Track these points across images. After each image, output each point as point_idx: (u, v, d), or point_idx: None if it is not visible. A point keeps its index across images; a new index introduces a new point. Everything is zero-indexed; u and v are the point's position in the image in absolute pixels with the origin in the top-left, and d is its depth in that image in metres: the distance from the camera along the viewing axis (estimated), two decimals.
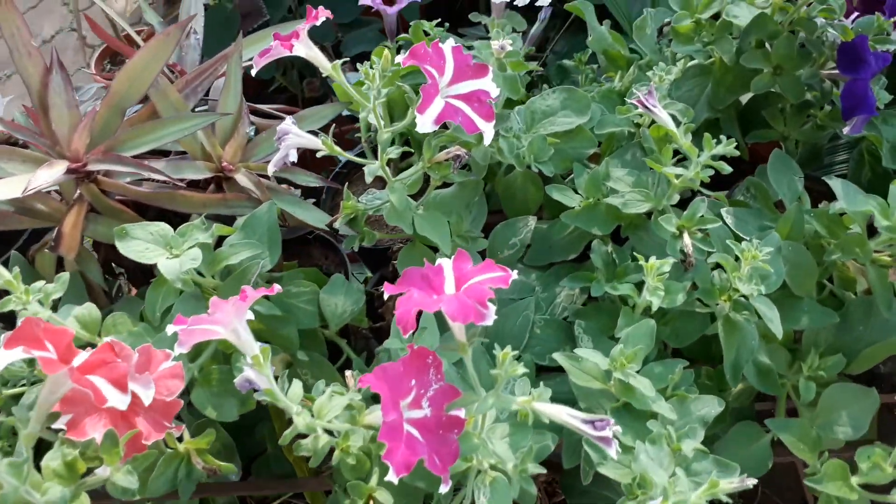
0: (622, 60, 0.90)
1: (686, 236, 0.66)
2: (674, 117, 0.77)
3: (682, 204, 0.73)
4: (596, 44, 0.90)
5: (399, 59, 0.64)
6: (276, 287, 0.60)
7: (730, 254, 0.65)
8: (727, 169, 0.68)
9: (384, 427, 0.52)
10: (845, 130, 0.77)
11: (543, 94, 0.80)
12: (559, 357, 0.64)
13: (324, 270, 0.90)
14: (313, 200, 0.99)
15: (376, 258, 0.97)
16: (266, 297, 0.79)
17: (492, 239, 0.79)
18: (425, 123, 0.63)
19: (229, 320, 0.55)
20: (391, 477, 0.51)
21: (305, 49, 0.67)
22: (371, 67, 0.68)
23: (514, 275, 0.55)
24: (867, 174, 0.87)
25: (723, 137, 0.69)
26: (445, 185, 0.80)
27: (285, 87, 1.47)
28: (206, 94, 0.88)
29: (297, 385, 0.58)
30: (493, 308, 0.52)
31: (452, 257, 0.57)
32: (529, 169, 0.78)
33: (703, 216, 0.67)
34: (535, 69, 0.83)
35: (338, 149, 0.74)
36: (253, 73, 0.68)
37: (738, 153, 0.69)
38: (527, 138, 0.75)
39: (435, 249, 0.76)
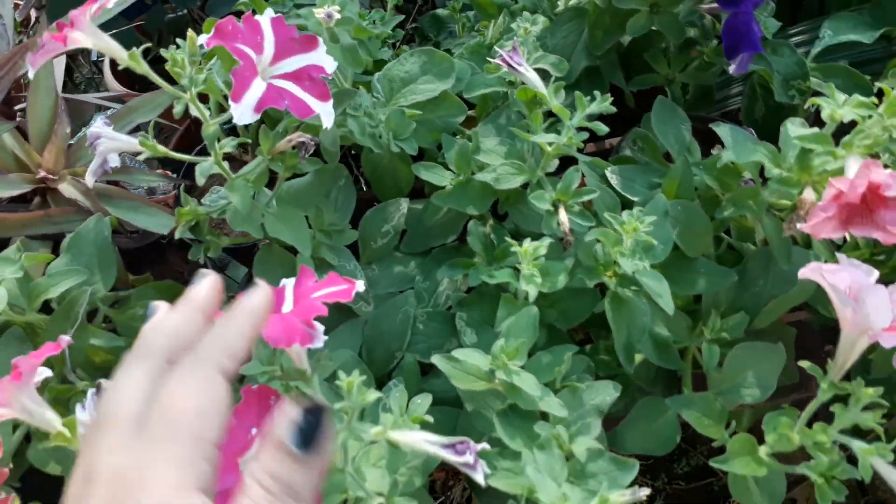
0: (492, 7, 0.81)
1: (562, 212, 0.59)
2: (547, 72, 0.69)
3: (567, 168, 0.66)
4: None
5: (202, 39, 0.53)
6: (64, 339, 0.50)
7: (609, 227, 0.58)
8: (604, 129, 0.61)
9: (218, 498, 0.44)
10: (731, 69, 0.70)
11: (401, 59, 0.71)
12: (438, 360, 0.57)
13: (184, 278, 0.80)
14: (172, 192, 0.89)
15: (247, 253, 0.87)
16: (108, 319, 0.71)
17: (362, 228, 0.71)
18: (243, 113, 0.53)
19: (10, 400, 0.45)
20: None
21: (91, 39, 0.56)
22: (178, 50, 0.57)
23: (360, 286, 0.48)
24: (761, 109, 0.81)
25: (597, 94, 0.61)
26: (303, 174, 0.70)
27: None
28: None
29: None
30: (320, 329, 0.44)
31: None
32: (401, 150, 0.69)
33: (578, 189, 0.60)
34: (391, 34, 0.73)
35: (162, 148, 0.64)
36: (30, 74, 0.56)
37: (614, 110, 0.61)
38: (384, 113, 0.66)
39: (295, 251, 0.67)
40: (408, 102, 0.68)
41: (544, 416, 0.57)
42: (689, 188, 0.65)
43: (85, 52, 1.31)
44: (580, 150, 0.64)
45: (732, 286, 0.67)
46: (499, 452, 0.55)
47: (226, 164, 0.64)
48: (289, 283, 0.50)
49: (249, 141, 0.66)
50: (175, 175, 0.85)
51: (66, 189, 0.71)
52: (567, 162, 0.66)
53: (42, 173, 0.71)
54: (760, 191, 0.63)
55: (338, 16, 0.59)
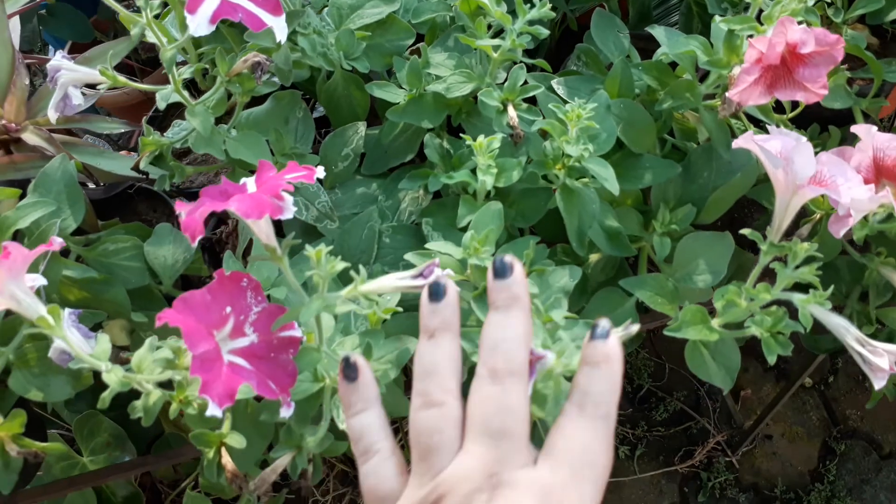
0: None
1: (510, 108, 0.62)
2: None
3: None
4: None
5: None
6: (57, 241, 0.52)
7: (555, 118, 0.61)
8: (544, 33, 0.64)
9: (194, 361, 0.46)
10: None
11: None
12: (411, 257, 0.59)
13: (152, 225, 0.82)
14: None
15: None
16: (81, 259, 0.72)
17: (322, 153, 0.73)
18: (199, 24, 0.55)
19: (2, 285, 0.47)
20: (213, 411, 0.46)
21: None
22: None
23: (321, 171, 0.50)
24: (697, 25, 0.85)
25: (536, 1, 0.65)
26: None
27: None
28: None
29: (103, 340, 0.51)
30: (290, 199, 0.47)
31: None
32: (348, 71, 0.72)
33: (525, 85, 0.63)
34: None
35: (122, 78, 0.66)
36: None
37: (553, 15, 0.65)
38: (334, 35, 0.69)
39: None
40: (356, 26, 0.71)
41: None
42: (630, 88, 0.68)
43: None
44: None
45: (679, 181, 0.70)
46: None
47: (186, 94, 0.67)
48: (249, 179, 0.52)
49: (207, 67, 0.68)
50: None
51: (30, 137, 0.73)
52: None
53: (5, 123, 0.73)
54: (696, 83, 0.67)
55: None
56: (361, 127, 0.73)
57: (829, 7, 0.76)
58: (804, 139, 0.55)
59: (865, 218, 0.68)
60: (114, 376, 0.49)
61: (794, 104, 0.75)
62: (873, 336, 0.77)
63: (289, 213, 0.47)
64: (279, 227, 0.75)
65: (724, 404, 1.55)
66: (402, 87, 0.70)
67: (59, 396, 0.64)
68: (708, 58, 0.63)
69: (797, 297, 0.55)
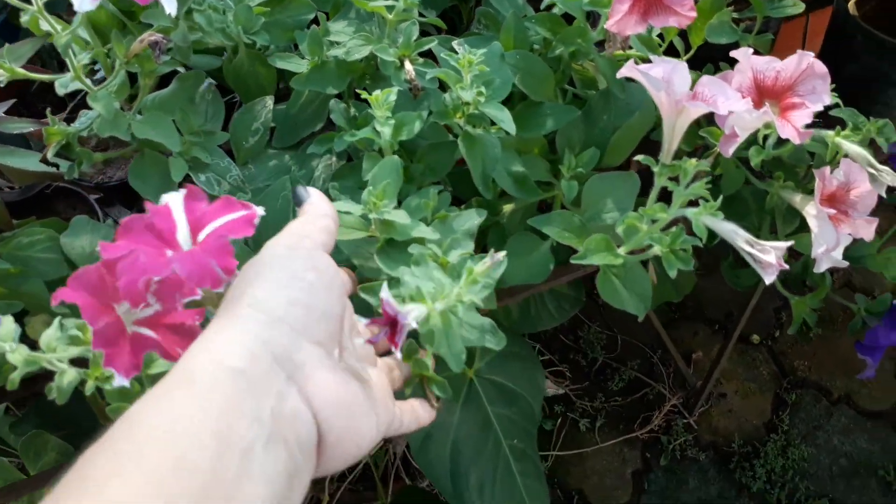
0: None
1: (407, 63, 0.63)
2: None
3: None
4: None
5: None
6: None
7: (450, 67, 0.63)
8: None
9: (95, 336, 0.46)
10: None
11: None
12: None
13: None
14: None
15: (129, 195, 0.89)
16: None
17: (232, 130, 0.74)
18: (83, 1, 0.56)
19: None
20: (120, 382, 0.46)
21: None
22: None
23: (261, 211, 0.48)
24: None
25: None
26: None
27: None
28: None
29: (6, 321, 0.51)
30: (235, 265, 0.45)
31: (182, 193, 0.47)
32: (252, 49, 0.73)
33: (418, 41, 0.65)
34: None
35: (21, 70, 0.66)
36: None
37: None
38: (231, 12, 0.70)
39: (168, 155, 0.69)
40: (255, 3, 0.72)
41: (420, 243, 0.60)
42: (523, 40, 0.70)
43: None
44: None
45: (581, 126, 0.73)
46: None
47: (88, 81, 0.67)
48: (173, 202, 0.47)
49: (105, 50, 0.68)
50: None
51: None
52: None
53: None
54: (587, 29, 0.69)
55: None
56: (269, 101, 0.74)
57: None
58: (678, 63, 0.57)
59: (762, 145, 0.71)
60: (18, 356, 0.49)
61: (687, 47, 0.78)
62: (788, 265, 0.81)
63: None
64: None
65: (678, 369, 1.58)
66: (304, 58, 0.71)
67: None
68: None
69: (690, 212, 0.57)
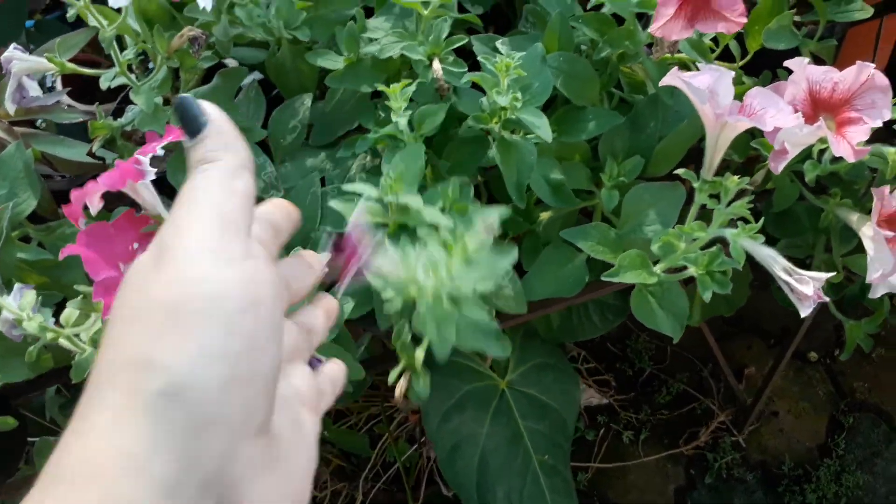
0: None
1: (436, 62, 0.62)
2: None
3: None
4: None
5: None
6: None
7: (485, 70, 0.61)
8: None
9: (97, 286, 0.48)
10: None
11: None
12: (335, 203, 0.59)
13: None
14: None
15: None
16: (41, 244, 0.73)
17: (271, 127, 0.74)
18: None
19: None
20: None
21: None
22: None
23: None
24: None
25: None
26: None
27: None
28: None
29: (28, 294, 0.52)
30: (146, 161, 0.48)
31: None
32: (294, 44, 0.72)
33: (449, 38, 0.63)
34: None
35: (70, 65, 0.67)
36: None
37: None
38: (274, 5, 0.70)
39: None
40: None
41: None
42: (569, 41, 0.68)
43: None
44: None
45: (626, 133, 0.70)
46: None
47: (132, 75, 0.68)
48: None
49: (149, 46, 0.69)
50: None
51: None
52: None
53: None
54: (636, 30, 0.66)
55: None
56: (307, 98, 0.73)
57: None
58: (727, 72, 0.54)
59: (819, 159, 0.67)
60: (34, 324, 0.50)
61: (744, 51, 0.74)
62: (841, 286, 0.76)
63: (150, 175, 0.48)
64: None
65: (728, 384, 1.53)
66: (342, 54, 0.70)
67: (17, 377, 0.65)
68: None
69: (729, 232, 0.54)
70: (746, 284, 1.04)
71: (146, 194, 0.51)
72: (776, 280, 0.55)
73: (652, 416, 1.55)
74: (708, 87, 0.54)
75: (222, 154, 0.29)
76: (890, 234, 0.61)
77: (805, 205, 0.73)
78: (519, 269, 0.72)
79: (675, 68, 0.54)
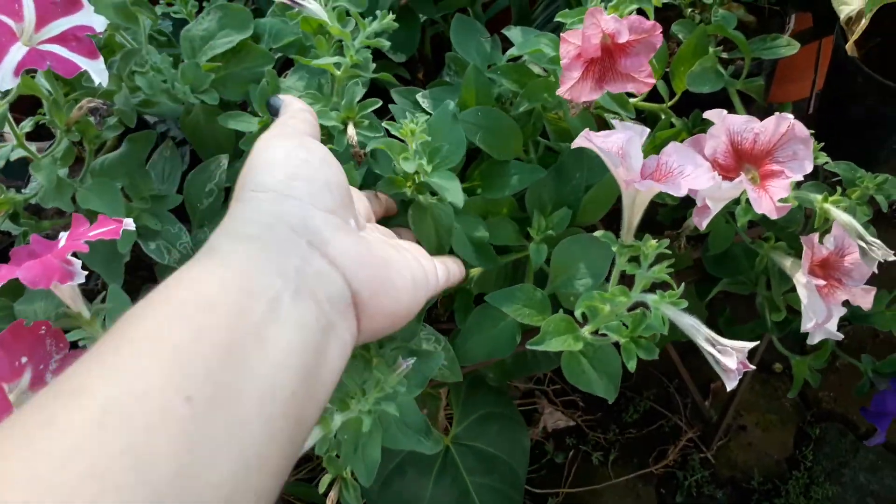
0: None
1: (350, 127, 0.59)
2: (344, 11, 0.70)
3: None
4: None
5: None
6: None
7: (391, 136, 0.58)
8: (385, 45, 0.62)
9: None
10: None
11: (198, 19, 0.71)
12: None
13: None
14: None
15: None
16: None
17: (186, 192, 0.71)
18: (3, 78, 0.53)
19: None
20: None
21: None
22: None
23: (129, 223, 0.49)
24: None
25: (379, 13, 0.62)
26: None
27: None
28: None
29: None
30: (77, 263, 0.45)
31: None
32: (206, 104, 0.69)
33: (363, 102, 0.60)
34: None
35: None
36: None
37: (396, 25, 0.62)
38: (179, 69, 0.67)
39: None
40: (207, 57, 0.68)
41: None
42: (487, 94, 0.66)
43: None
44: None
45: (552, 184, 0.68)
46: None
47: (33, 147, 0.65)
48: (64, 234, 0.51)
49: (48, 118, 0.65)
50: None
51: None
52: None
53: None
54: (556, 83, 0.64)
55: None
56: (224, 160, 0.70)
57: None
58: (641, 131, 0.52)
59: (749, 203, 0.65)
60: None
61: (672, 91, 0.72)
62: (786, 323, 0.75)
63: (79, 278, 0.45)
64: (151, 273, 0.73)
65: (695, 399, 1.51)
66: (257, 115, 0.67)
67: None
68: (554, 54, 0.60)
69: (650, 298, 0.52)
70: (704, 307, 1.03)
71: (68, 291, 0.48)
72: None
73: (620, 435, 1.54)
74: (619, 150, 0.51)
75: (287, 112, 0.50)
76: (821, 282, 0.59)
77: (743, 245, 0.71)
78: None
79: (586, 130, 0.52)
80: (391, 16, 0.62)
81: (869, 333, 1.51)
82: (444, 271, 0.53)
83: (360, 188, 0.61)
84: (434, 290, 0.50)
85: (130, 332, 0.31)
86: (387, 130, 0.59)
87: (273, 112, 0.52)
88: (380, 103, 0.60)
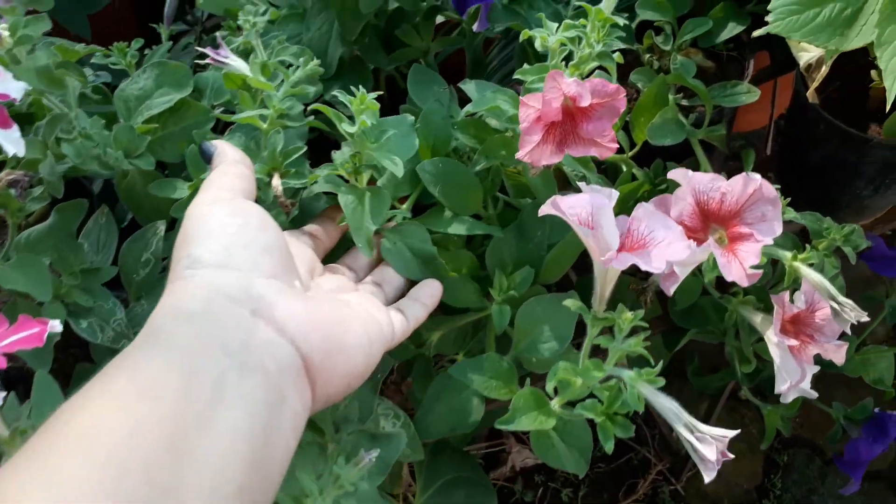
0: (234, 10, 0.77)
1: (275, 178, 0.56)
2: (288, 63, 0.66)
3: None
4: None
5: None
6: None
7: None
8: (309, 90, 0.58)
9: None
10: (474, 27, 0.69)
11: (134, 78, 0.66)
12: None
13: None
14: None
15: None
16: None
17: (121, 263, 0.65)
18: None
19: None
20: None
21: None
22: None
23: (58, 325, 0.45)
24: None
25: (303, 60, 0.59)
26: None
27: None
28: None
29: None
30: None
31: None
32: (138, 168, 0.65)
33: (285, 151, 0.57)
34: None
35: None
36: None
37: (322, 70, 0.60)
38: (111, 132, 0.62)
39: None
40: (143, 118, 0.64)
41: None
42: (446, 146, 0.62)
43: None
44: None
45: (513, 243, 0.65)
46: None
47: None
48: None
49: None
50: None
51: None
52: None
53: None
54: (514, 140, 0.61)
55: (7, 36, 0.55)
56: (161, 226, 0.66)
57: (658, 35, 0.72)
58: (609, 194, 0.49)
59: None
60: None
61: (632, 141, 0.70)
62: (756, 372, 0.72)
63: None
64: (85, 350, 0.67)
65: (662, 431, 1.50)
66: (190, 180, 0.63)
67: None
68: (514, 112, 0.57)
69: (626, 374, 0.49)
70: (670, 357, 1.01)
71: None
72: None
73: (589, 470, 1.51)
74: (588, 216, 0.49)
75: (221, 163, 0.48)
76: (794, 342, 0.57)
77: (711, 298, 0.69)
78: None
79: (555, 197, 0.49)
80: (315, 62, 0.59)
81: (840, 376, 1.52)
82: (401, 321, 0.50)
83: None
84: (390, 342, 0.47)
85: (66, 429, 0.29)
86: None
87: (206, 160, 0.50)
88: (304, 149, 0.57)
